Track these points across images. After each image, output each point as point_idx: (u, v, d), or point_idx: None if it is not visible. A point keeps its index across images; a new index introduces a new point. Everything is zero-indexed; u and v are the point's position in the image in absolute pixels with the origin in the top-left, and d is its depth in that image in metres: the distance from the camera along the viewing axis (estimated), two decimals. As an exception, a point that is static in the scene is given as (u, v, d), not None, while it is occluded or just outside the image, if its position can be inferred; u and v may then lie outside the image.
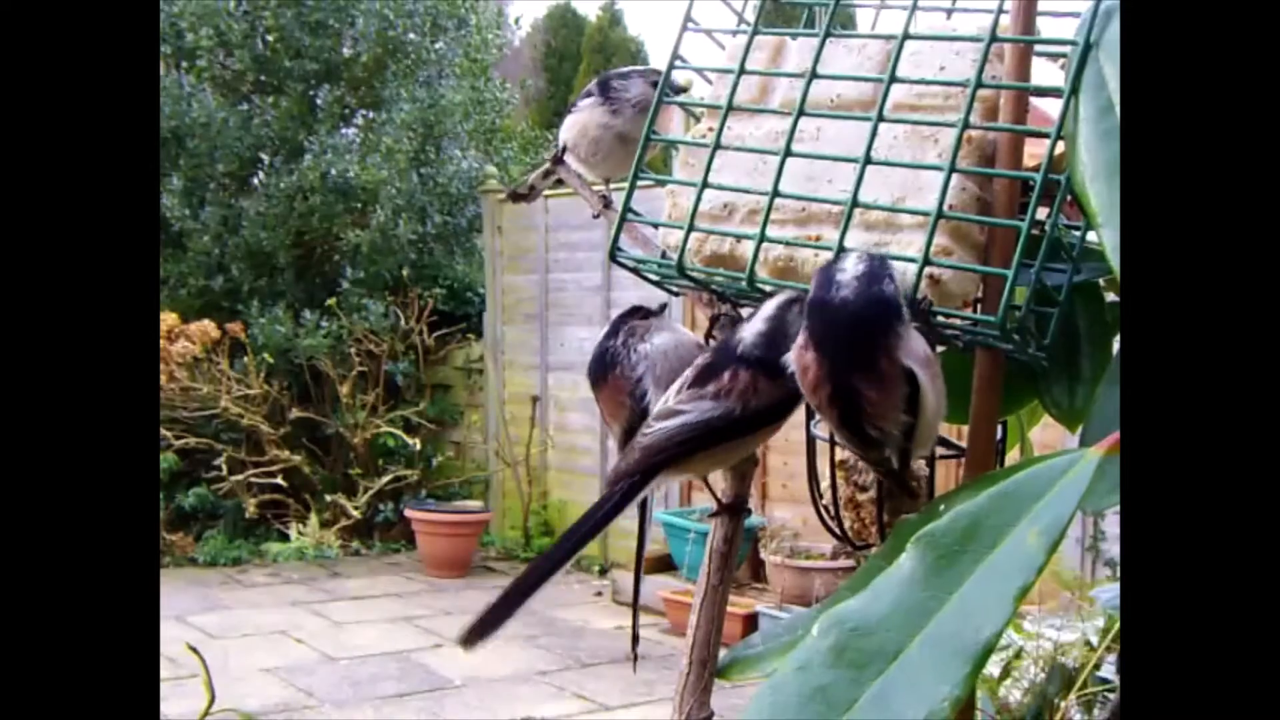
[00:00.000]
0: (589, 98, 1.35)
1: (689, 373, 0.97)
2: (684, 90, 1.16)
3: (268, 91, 8.32)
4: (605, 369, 1.13)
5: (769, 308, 0.95)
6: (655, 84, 1.22)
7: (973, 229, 0.93)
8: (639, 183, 1.08)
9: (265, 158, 8.24)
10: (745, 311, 1.04)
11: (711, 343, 1.13)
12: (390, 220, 8.13)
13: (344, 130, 8.48)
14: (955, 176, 0.90)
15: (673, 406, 0.94)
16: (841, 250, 0.91)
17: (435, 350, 8.57)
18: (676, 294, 1.15)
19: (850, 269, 0.84)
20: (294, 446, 8.13)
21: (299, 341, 7.96)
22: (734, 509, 1.05)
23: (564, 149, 1.36)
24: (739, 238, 1.00)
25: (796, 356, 0.87)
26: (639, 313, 1.15)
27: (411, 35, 8.58)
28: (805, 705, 0.62)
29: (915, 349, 0.84)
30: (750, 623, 5.73)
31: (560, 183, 1.45)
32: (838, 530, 1.22)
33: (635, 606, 1.19)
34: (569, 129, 1.36)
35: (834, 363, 0.83)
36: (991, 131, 0.93)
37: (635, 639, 1.20)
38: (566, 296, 7.97)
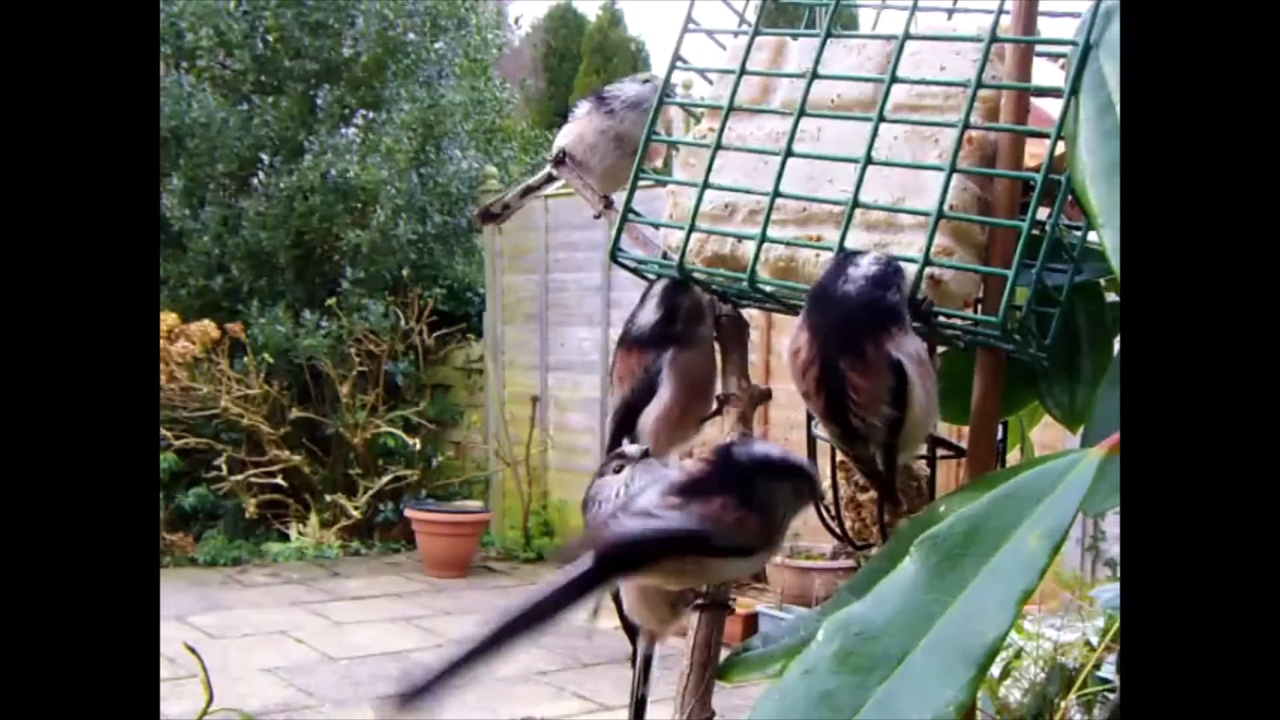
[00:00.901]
0: (583, 105, 1.36)
1: (681, 476, 0.90)
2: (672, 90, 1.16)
3: (268, 91, 8.31)
4: (654, 345, 1.10)
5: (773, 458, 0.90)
6: (647, 82, 1.23)
7: (973, 229, 0.93)
8: (640, 183, 1.08)
9: (265, 158, 8.23)
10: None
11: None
12: (390, 220, 8.13)
13: (344, 130, 8.47)
14: (956, 177, 0.90)
15: (650, 509, 0.87)
16: (846, 251, 0.91)
17: (435, 350, 8.57)
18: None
19: (862, 268, 0.86)
20: (294, 446, 8.12)
21: (299, 341, 7.95)
22: (717, 605, 0.98)
23: (564, 152, 1.37)
24: (740, 238, 1.00)
25: (792, 338, 0.88)
26: (680, 287, 1.10)
27: (411, 35, 8.57)
28: (811, 710, 0.62)
29: (907, 348, 0.85)
30: (750, 623, 5.72)
31: (551, 179, 1.45)
32: (838, 530, 1.22)
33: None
34: (566, 135, 1.36)
35: (823, 342, 0.85)
36: (992, 132, 0.93)
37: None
38: (566, 296, 7.97)
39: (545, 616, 0.84)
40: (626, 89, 1.33)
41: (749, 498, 0.86)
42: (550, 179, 1.44)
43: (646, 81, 1.33)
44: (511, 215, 1.58)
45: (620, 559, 0.86)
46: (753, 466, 0.88)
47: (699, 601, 0.99)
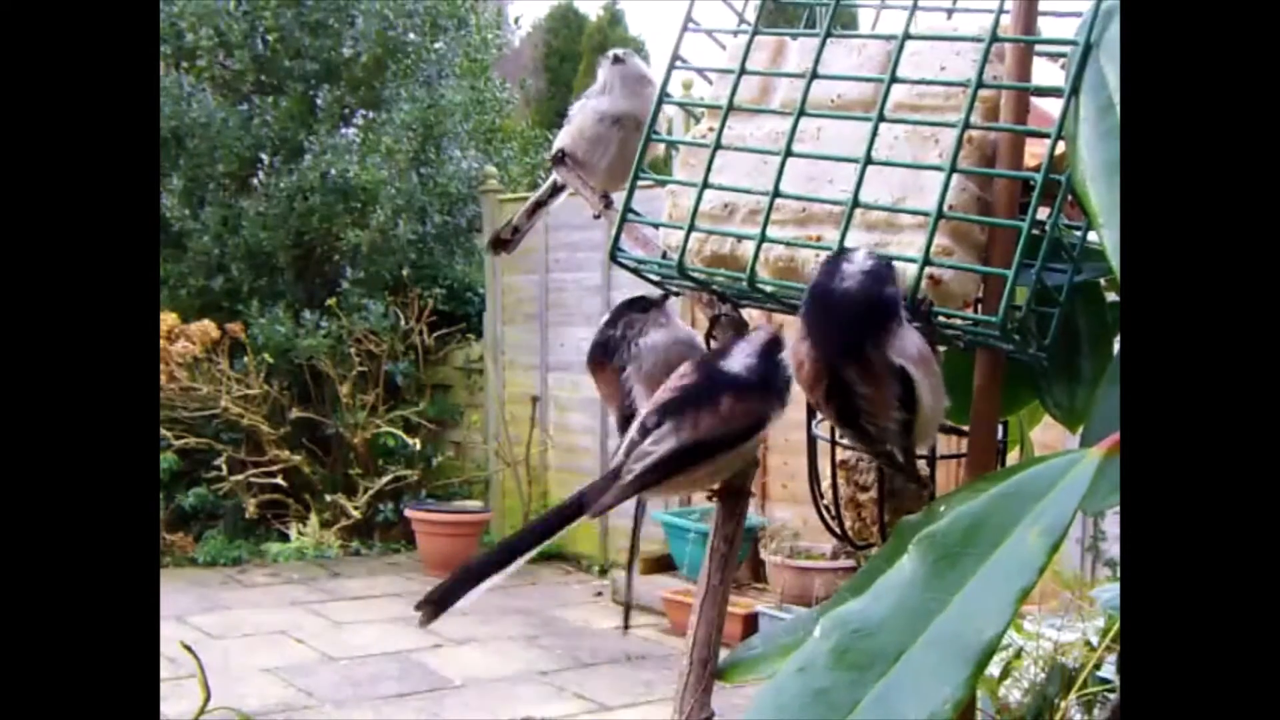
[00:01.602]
0: (578, 103, 1.36)
1: (666, 394, 1.00)
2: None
3: (268, 91, 8.31)
4: (604, 356, 1.17)
5: (756, 343, 1.00)
6: (619, 60, 1.26)
7: (973, 229, 0.93)
8: (639, 183, 1.08)
9: (265, 158, 8.23)
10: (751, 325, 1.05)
11: (713, 343, 1.14)
12: (390, 220, 8.13)
13: (344, 130, 8.47)
14: (956, 176, 0.90)
15: (645, 448, 0.98)
16: (838, 249, 0.92)
17: (435, 350, 8.57)
18: (677, 294, 1.15)
19: (858, 264, 0.86)
20: (294, 446, 8.12)
21: (299, 341, 7.95)
22: (736, 494, 1.06)
23: (562, 152, 1.36)
24: (739, 238, 1.00)
25: (793, 350, 0.89)
26: (639, 303, 1.17)
27: (411, 35, 8.57)
28: (807, 707, 0.62)
29: (909, 348, 0.85)
30: (750, 623, 5.72)
31: (557, 190, 1.44)
32: (838, 530, 1.22)
33: (628, 603, 1.24)
34: (565, 136, 1.36)
35: (826, 351, 0.85)
36: (992, 131, 0.93)
37: (626, 624, 1.25)
38: (566, 296, 7.97)
39: (551, 532, 0.98)
40: (605, 66, 1.34)
41: (747, 386, 0.96)
42: (556, 190, 1.43)
43: (621, 60, 1.33)
44: (524, 238, 1.54)
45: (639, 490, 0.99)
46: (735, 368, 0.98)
47: (715, 489, 1.06)
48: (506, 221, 1.52)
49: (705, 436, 0.96)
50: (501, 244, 1.54)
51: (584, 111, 1.34)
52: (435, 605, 0.95)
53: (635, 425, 1.00)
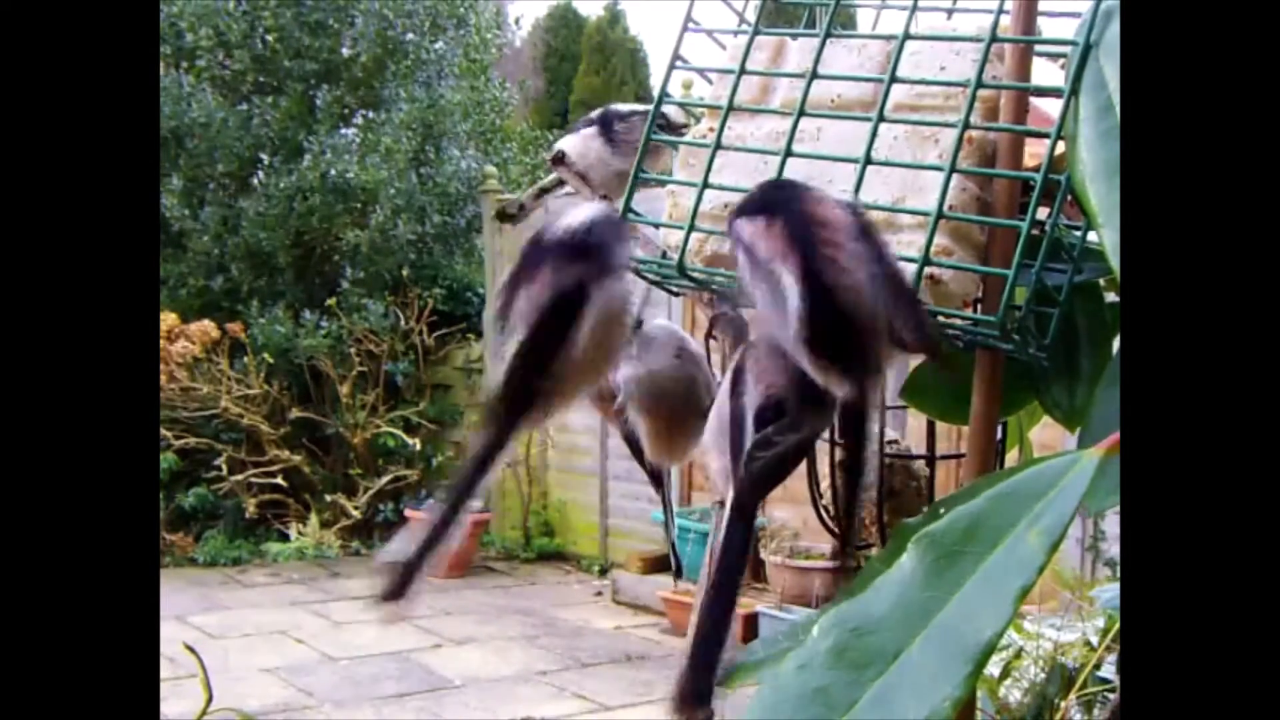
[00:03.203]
0: (589, 126, 1.34)
1: (777, 389, 0.95)
2: (682, 128, 1.16)
3: (267, 91, 8.31)
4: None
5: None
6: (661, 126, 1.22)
7: (973, 229, 0.93)
8: (639, 183, 1.08)
9: (265, 158, 8.23)
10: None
11: (713, 344, 1.14)
12: (390, 220, 8.12)
13: (343, 130, 8.47)
14: (955, 177, 0.90)
15: (770, 436, 0.95)
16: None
17: (435, 350, 8.57)
18: (677, 294, 1.15)
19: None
20: (294, 446, 8.12)
21: (299, 341, 7.95)
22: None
23: (562, 152, 1.36)
24: (739, 238, 1.00)
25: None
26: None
27: (411, 35, 8.57)
28: (806, 706, 0.62)
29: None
30: (750, 623, 5.72)
31: (564, 181, 1.44)
32: (838, 530, 1.21)
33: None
34: (568, 142, 1.35)
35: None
36: (992, 131, 0.93)
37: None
38: (566, 296, 7.96)
39: (743, 554, 0.96)
40: (635, 131, 1.31)
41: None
42: (561, 181, 1.43)
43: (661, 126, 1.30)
44: (528, 216, 1.53)
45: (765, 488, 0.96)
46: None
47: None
48: (514, 198, 1.51)
49: (818, 432, 0.97)
50: (507, 216, 1.53)
51: (593, 141, 1.31)
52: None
53: (750, 415, 0.96)
